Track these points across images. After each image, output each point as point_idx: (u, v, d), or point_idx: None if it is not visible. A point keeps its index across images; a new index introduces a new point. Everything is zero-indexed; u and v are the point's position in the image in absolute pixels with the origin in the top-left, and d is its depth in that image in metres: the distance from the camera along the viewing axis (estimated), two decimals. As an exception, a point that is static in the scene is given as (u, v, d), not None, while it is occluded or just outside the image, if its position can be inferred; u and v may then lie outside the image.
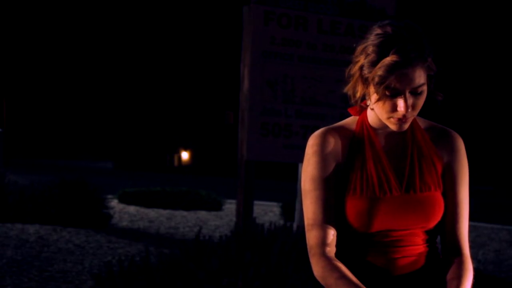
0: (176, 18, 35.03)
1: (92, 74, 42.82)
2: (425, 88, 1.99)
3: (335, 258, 2.01)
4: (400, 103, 1.97)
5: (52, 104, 45.41)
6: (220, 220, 11.00)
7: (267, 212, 12.59)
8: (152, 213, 11.18)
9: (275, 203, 13.47)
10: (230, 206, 12.63)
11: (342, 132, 2.11)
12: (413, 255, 2.07)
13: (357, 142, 2.10)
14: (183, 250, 5.09)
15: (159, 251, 6.69)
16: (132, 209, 11.49)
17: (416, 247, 2.07)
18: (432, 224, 2.07)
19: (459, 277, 2.03)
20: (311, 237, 2.04)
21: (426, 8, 34.21)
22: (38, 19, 43.29)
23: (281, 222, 10.78)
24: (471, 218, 2.29)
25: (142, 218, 10.58)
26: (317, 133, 2.11)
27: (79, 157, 46.26)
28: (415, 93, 1.98)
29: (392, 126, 2.02)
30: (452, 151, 2.12)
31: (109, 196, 10.94)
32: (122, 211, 11.07)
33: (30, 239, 8.04)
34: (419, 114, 2.18)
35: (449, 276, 2.06)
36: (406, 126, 2.02)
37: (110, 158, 40.59)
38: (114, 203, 11.73)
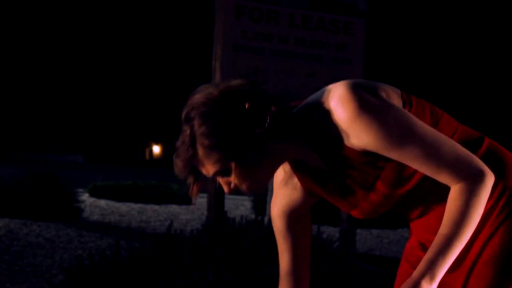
0: (148, 12, 34.86)
1: (63, 67, 42.50)
2: (229, 168, 1.90)
3: None
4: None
5: (21, 97, 45.00)
6: (192, 214, 11.00)
7: (238, 206, 12.61)
8: (123, 207, 11.14)
9: (246, 197, 13.49)
10: (202, 200, 12.61)
11: (290, 186, 2.16)
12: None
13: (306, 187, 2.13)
14: (154, 244, 5.09)
15: (130, 245, 6.67)
16: (103, 203, 11.44)
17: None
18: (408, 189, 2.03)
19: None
20: None
21: (398, 2, 34.36)
22: (11, 14, 42.89)
23: (253, 216, 10.80)
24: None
25: (113, 212, 10.54)
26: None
27: (49, 150, 45.94)
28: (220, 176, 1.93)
29: None
30: (364, 132, 1.95)
31: (80, 190, 10.88)
32: (93, 205, 11.02)
33: (-1, 233, 7.98)
34: None
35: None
36: (261, 188, 1.96)
37: (81, 152, 40.37)
38: (85, 196, 11.67)
